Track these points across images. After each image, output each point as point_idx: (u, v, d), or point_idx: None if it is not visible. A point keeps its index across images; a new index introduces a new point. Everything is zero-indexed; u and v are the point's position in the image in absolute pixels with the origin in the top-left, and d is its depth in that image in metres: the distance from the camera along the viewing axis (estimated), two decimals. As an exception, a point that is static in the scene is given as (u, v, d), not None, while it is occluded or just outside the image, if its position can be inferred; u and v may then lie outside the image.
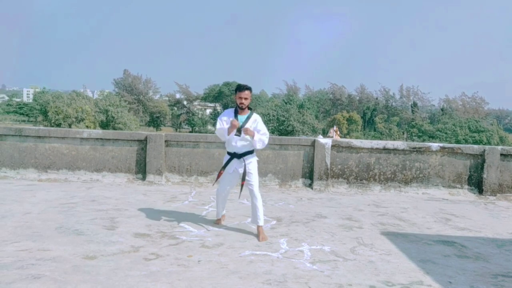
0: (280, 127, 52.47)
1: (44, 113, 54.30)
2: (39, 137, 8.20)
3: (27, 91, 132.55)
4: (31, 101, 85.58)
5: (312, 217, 6.04)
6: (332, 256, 4.45)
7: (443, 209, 7.05)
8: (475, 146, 8.46)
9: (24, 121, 71.98)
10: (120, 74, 74.89)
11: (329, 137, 19.94)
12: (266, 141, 5.03)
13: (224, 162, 5.17)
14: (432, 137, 53.61)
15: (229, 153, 5.14)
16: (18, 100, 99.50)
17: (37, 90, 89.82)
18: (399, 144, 8.40)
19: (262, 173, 8.26)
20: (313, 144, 8.22)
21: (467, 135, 52.95)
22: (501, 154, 8.26)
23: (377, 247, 4.82)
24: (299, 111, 56.54)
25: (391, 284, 3.79)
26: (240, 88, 4.98)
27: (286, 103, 61.30)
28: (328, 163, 8.15)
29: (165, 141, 8.19)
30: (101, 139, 8.24)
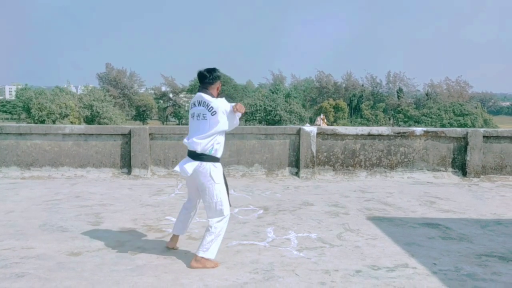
0: (267, 117, 52.35)
1: (27, 110, 53.37)
2: (20, 134, 8.06)
3: (9, 88, 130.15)
4: (13, 98, 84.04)
5: (299, 205, 6.06)
6: (318, 243, 4.47)
7: (428, 192, 7.13)
8: (458, 129, 8.55)
9: (7, 119, 70.76)
10: (103, 68, 73.94)
11: (316, 125, 19.97)
12: None
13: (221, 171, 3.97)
14: (417, 122, 54.05)
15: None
16: (0, 98, 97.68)
17: (19, 87, 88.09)
18: (384, 129, 8.44)
19: (248, 163, 8.26)
20: (299, 132, 8.22)
21: (451, 119, 53.47)
22: (484, 136, 8.36)
23: (363, 232, 4.86)
24: (286, 101, 56.43)
25: (376, 268, 3.83)
26: None
27: (272, 92, 61.14)
28: (314, 151, 8.17)
29: (150, 134, 8.11)
30: (84, 134, 8.13)
